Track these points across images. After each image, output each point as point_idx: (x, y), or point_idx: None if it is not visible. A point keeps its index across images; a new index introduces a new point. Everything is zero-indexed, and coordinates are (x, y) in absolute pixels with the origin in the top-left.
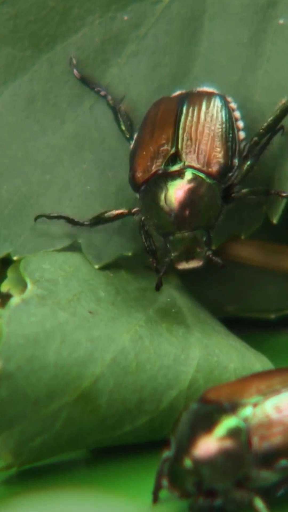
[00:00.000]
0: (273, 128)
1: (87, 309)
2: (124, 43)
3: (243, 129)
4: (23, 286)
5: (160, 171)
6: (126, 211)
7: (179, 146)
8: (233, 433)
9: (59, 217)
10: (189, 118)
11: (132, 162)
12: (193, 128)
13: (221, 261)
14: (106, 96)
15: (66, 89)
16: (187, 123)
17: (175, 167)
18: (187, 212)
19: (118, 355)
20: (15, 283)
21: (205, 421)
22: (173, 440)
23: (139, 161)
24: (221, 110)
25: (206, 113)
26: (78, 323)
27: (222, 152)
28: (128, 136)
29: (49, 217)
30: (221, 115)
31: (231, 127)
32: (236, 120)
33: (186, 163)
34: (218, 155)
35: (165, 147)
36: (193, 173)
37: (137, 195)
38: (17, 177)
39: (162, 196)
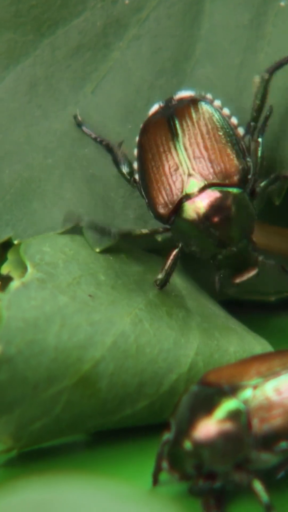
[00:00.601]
0: (262, 107)
1: (87, 293)
2: (126, 26)
3: (239, 125)
4: (23, 269)
5: (184, 199)
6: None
7: (191, 167)
8: (233, 415)
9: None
10: (187, 135)
11: (150, 200)
12: (196, 145)
13: (274, 262)
14: (102, 141)
15: (68, 73)
16: (188, 141)
17: (196, 189)
18: (228, 230)
19: (118, 338)
20: (15, 266)
21: (205, 403)
22: (173, 423)
23: (155, 195)
24: (213, 116)
25: (200, 124)
26: (78, 307)
27: (235, 158)
28: (129, 178)
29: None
30: (215, 120)
31: (229, 128)
32: (229, 117)
33: (206, 182)
34: (232, 162)
35: (177, 172)
36: (217, 190)
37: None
38: (19, 162)
39: (198, 222)
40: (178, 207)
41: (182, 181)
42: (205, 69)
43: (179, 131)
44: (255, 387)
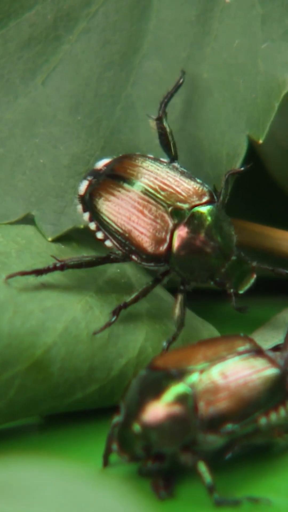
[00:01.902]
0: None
1: (39, 281)
2: (76, 20)
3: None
4: None
5: (178, 230)
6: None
7: (167, 201)
8: (180, 398)
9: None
10: (144, 180)
11: (139, 249)
12: (157, 184)
13: (269, 267)
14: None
15: (19, 65)
16: (148, 184)
17: (183, 216)
18: (224, 240)
19: (69, 324)
20: None
21: (153, 387)
22: (122, 406)
23: (144, 242)
24: (148, 158)
25: (147, 168)
26: (30, 294)
27: (194, 181)
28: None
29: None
30: (153, 161)
31: (166, 163)
32: (173, 144)
33: (188, 205)
34: (196, 185)
35: (158, 211)
36: (199, 210)
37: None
38: None
39: (198, 242)
40: (172, 239)
41: (166, 215)
42: (152, 63)
43: (134, 181)
44: (201, 371)
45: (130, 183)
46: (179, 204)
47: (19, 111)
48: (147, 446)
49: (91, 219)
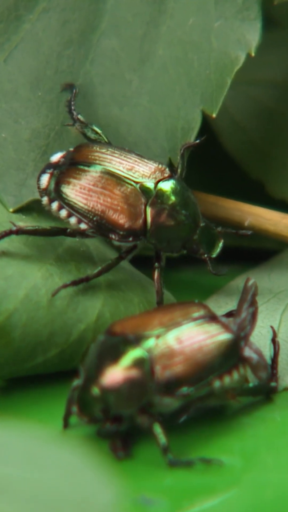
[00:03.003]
0: None
1: (0, 249)
2: (36, 0)
3: None
4: None
5: (150, 204)
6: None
7: (134, 179)
8: (137, 363)
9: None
10: (108, 162)
11: (113, 226)
12: (123, 163)
13: (232, 230)
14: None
15: None
16: (114, 164)
17: (152, 191)
18: (192, 208)
19: (30, 291)
20: None
21: (111, 352)
22: (82, 370)
23: (118, 219)
24: (104, 144)
25: (106, 152)
26: None
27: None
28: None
29: None
30: (108, 146)
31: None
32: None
33: (154, 180)
34: (155, 162)
35: (127, 188)
36: (165, 182)
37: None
38: None
39: (171, 216)
40: (146, 214)
41: (136, 192)
42: (110, 41)
43: (99, 165)
44: (157, 337)
45: (95, 167)
46: (145, 180)
47: None
48: (105, 409)
49: (60, 207)
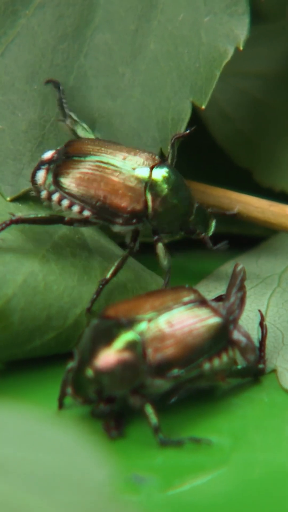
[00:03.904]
0: None
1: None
2: None
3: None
4: None
5: (149, 188)
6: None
7: (130, 167)
8: (130, 345)
9: None
10: (104, 153)
11: (116, 210)
12: (116, 154)
13: (220, 211)
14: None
15: None
16: (109, 155)
17: (148, 176)
18: (186, 190)
19: (28, 277)
20: None
21: (105, 335)
22: (76, 353)
23: (119, 203)
24: (105, 140)
25: (98, 144)
26: None
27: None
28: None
29: None
30: (110, 142)
31: None
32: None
33: (149, 166)
34: (144, 151)
35: (125, 175)
36: (161, 169)
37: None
38: None
39: (170, 198)
40: (146, 198)
41: (134, 177)
42: (103, 35)
43: (94, 155)
44: (149, 320)
45: (91, 157)
46: (140, 167)
47: None
48: (99, 390)
49: (61, 198)
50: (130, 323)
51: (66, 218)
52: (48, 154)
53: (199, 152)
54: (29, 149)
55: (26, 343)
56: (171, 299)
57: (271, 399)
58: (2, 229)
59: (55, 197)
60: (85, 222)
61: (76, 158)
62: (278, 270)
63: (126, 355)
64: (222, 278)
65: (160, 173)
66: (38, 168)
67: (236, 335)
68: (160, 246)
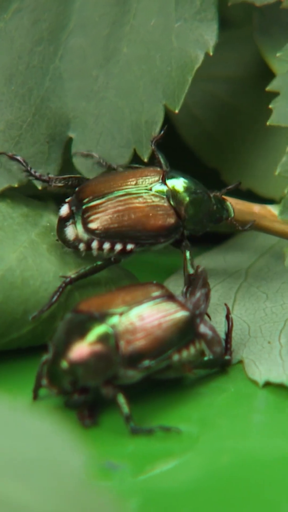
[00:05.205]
0: None
1: None
2: (9, 1)
3: None
4: None
5: (173, 198)
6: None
7: (144, 186)
8: (103, 338)
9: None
10: (116, 181)
11: (151, 233)
12: (127, 178)
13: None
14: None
15: None
16: (120, 181)
17: (165, 188)
18: (200, 184)
19: (6, 272)
20: None
21: (79, 328)
22: (51, 345)
23: (153, 225)
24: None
25: (111, 173)
26: None
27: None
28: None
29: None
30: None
31: None
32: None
33: (161, 180)
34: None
35: (147, 194)
36: (171, 178)
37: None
38: None
39: (195, 198)
40: (173, 208)
41: (154, 195)
42: (78, 39)
43: (108, 191)
44: (121, 314)
45: (107, 196)
46: (154, 183)
47: None
48: (73, 381)
49: (101, 244)
50: (102, 317)
51: (113, 258)
52: (64, 210)
53: (169, 152)
54: (6, 149)
55: (4, 336)
56: (141, 294)
57: (237, 389)
58: (60, 294)
59: (95, 244)
60: (129, 253)
61: (94, 203)
62: (245, 266)
63: (99, 347)
64: None
65: (173, 181)
66: (63, 226)
67: (203, 329)
68: (188, 254)
